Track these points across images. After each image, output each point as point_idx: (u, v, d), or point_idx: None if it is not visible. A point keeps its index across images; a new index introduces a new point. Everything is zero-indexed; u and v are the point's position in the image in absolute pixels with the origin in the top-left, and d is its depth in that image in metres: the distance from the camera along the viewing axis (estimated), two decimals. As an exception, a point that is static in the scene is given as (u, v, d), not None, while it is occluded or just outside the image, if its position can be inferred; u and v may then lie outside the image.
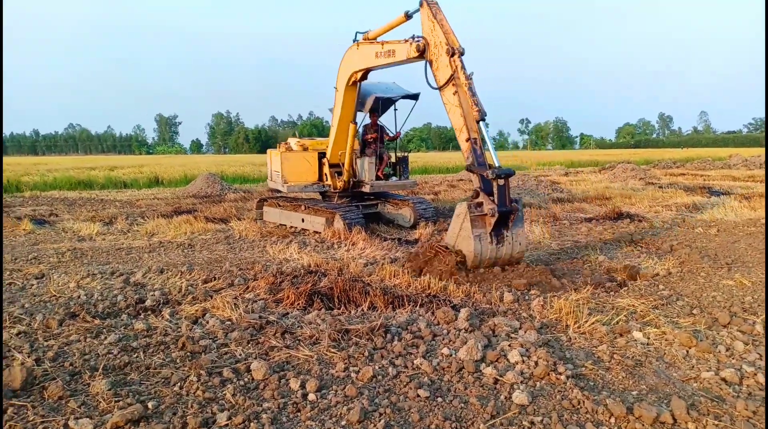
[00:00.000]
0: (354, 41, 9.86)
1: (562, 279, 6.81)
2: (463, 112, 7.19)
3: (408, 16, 8.41)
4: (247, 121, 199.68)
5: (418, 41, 7.85)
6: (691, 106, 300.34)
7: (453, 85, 7.28)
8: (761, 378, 4.03)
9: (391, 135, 11.95)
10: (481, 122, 7.15)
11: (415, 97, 11.83)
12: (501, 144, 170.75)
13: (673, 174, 28.58)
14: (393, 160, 12.23)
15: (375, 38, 9.38)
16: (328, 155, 11.51)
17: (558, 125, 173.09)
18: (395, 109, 12.07)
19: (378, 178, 11.76)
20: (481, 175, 7.00)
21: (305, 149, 11.95)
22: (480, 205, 6.88)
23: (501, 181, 6.80)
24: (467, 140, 7.12)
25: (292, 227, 11.55)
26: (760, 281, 6.62)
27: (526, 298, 6.20)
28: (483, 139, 7.22)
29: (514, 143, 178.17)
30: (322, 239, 10.12)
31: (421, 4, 7.80)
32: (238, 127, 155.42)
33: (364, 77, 10.18)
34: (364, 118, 11.74)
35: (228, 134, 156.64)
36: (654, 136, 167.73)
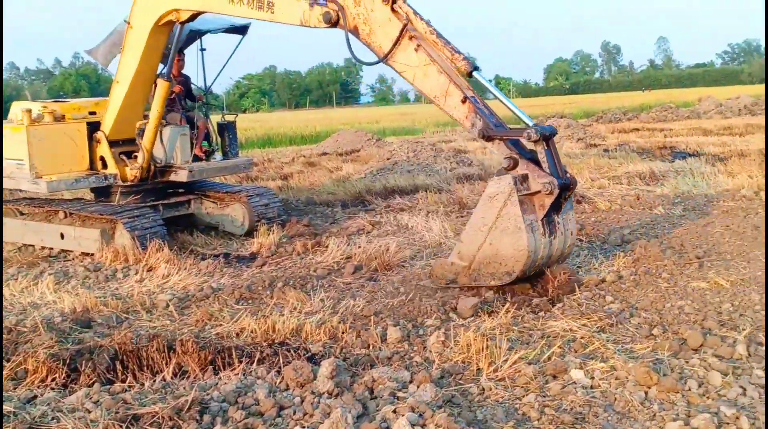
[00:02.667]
0: None
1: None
2: (441, 68, 7.36)
3: None
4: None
5: (324, 8, 7.95)
6: (646, 31, 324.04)
7: (411, 39, 7.45)
8: (745, 424, 4.31)
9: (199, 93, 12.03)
10: (475, 73, 7.53)
11: (242, 30, 11.88)
12: (383, 95, 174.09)
13: (623, 130, 30.58)
14: (212, 128, 12.20)
15: None
16: (105, 127, 11.04)
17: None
18: (201, 50, 12.04)
19: (196, 158, 11.68)
20: (509, 139, 7.16)
21: (61, 119, 11.30)
22: (525, 178, 6.92)
23: (545, 145, 6.94)
24: (464, 101, 7.31)
25: (45, 249, 11.00)
26: (741, 280, 7.16)
27: (420, 332, 6.26)
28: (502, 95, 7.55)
29: (402, 94, 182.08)
30: (97, 265, 9.65)
31: None
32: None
33: (191, 19, 10.13)
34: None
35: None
36: (597, 75, 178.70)
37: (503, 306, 6.69)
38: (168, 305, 7.54)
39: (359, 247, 9.76)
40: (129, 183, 11.17)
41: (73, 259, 10.33)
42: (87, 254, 10.30)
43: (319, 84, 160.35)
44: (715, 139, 23.25)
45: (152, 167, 11.26)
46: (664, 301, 6.69)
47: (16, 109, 11.33)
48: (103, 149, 11.15)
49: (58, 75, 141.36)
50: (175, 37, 10.63)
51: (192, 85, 12.34)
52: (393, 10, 7.53)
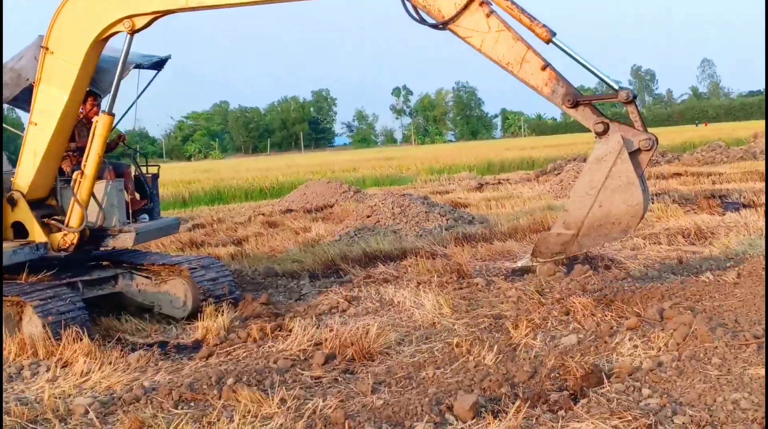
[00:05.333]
0: None
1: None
2: (517, 34, 8.68)
3: None
4: None
5: None
6: (686, 53, 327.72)
7: (481, 5, 8.70)
8: None
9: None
10: (554, 39, 8.65)
11: (159, 64, 12.47)
12: (362, 135, 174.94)
13: (661, 175, 30.71)
14: (144, 178, 12.53)
15: None
16: (23, 185, 10.92)
17: (461, 97, 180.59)
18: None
19: (133, 214, 11.80)
20: (593, 104, 8.51)
21: None
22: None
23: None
24: (544, 67, 8.57)
25: None
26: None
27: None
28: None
29: (386, 133, 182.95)
30: (-2, 359, 9.52)
31: None
32: None
33: (144, 27, 10.19)
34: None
35: None
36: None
37: (513, 403, 6.63)
38: (87, 411, 7.41)
39: (331, 330, 9.71)
40: (62, 252, 11.07)
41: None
42: None
43: (283, 123, 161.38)
44: (775, 185, 23.34)
45: (86, 231, 11.14)
46: (715, 393, 6.63)
47: None
48: (22, 212, 10.97)
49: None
50: (122, 54, 10.54)
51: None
52: None
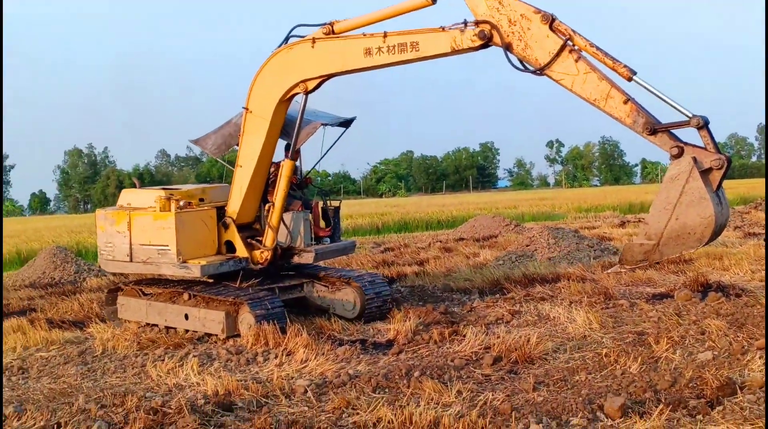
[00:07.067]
0: (285, 42, 10.74)
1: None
2: (601, 74, 8.64)
3: None
4: (121, 160, 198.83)
5: (477, 28, 9.10)
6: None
7: (570, 52, 8.75)
8: None
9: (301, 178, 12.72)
10: (634, 77, 8.55)
11: (347, 123, 12.73)
12: (521, 179, 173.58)
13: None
14: (327, 208, 12.83)
15: (349, 30, 10.21)
16: (233, 212, 11.57)
17: (606, 149, 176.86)
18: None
19: (317, 238, 12.25)
20: (669, 131, 8.30)
21: (190, 205, 11.81)
22: (695, 160, 8.11)
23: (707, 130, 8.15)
24: (626, 101, 8.49)
25: (167, 328, 11.71)
26: None
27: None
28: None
29: (541, 178, 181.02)
30: (239, 348, 10.07)
31: None
32: (108, 170, 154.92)
33: (318, 87, 10.76)
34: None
35: (91, 181, 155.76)
36: (754, 159, 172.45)
37: (656, 407, 6.43)
38: (306, 391, 7.70)
39: (498, 337, 9.69)
40: (259, 265, 11.62)
41: (216, 341, 10.78)
42: (229, 337, 10.80)
43: (456, 168, 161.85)
44: None
45: (279, 249, 11.72)
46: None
47: (143, 196, 12.07)
48: (231, 233, 11.66)
49: (205, 162, 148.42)
50: (301, 110, 11.03)
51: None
52: (551, 28, 8.75)
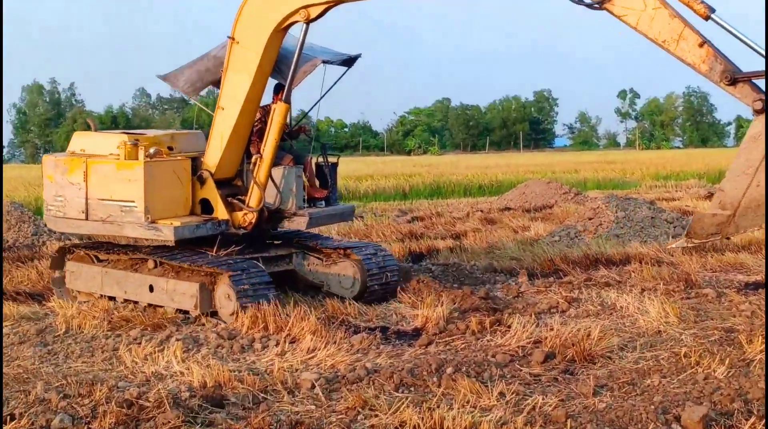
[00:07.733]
0: None
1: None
2: (673, 11, 8.69)
3: None
4: (90, 100, 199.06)
5: None
6: None
7: None
8: None
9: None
10: (713, 15, 8.59)
11: (350, 62, 12.84)
12: (584, 138, 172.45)
13: None
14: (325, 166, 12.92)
15: None
16: (211, 164, 11.55)
17: (692, 103, 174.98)
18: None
19: (311, 201, 12.34)
20: (752, 81, 8.32)
21: (161, 153, 11.63)
22: None
23: None
24: (702, 44, 8.56)
25: (128, 302, 11.67)
26: None
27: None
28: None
29: (609, 136, 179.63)
30: (232, 333, 10.03)
31: None
32: (74, 111, 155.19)
33: (319, 17, 10.64)
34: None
35: (53, 124, 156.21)
36: None
37: (747, 420, 6.37)
38: (314, 386, 7.69)
39: (551, 329, 9.64)
40: (242, 230, 11.61)
41: (205, 323, 10.78)
42: (227, 319, 10.74)
43: (503, 122, 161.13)
44: None
45: (265, 211, 11.67)
46: None
47: (100, 141, 11.96)
48: (209, 190, 11.58)
49: (192, 104, 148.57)
50: (299, 42, 10.98)
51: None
52: None
